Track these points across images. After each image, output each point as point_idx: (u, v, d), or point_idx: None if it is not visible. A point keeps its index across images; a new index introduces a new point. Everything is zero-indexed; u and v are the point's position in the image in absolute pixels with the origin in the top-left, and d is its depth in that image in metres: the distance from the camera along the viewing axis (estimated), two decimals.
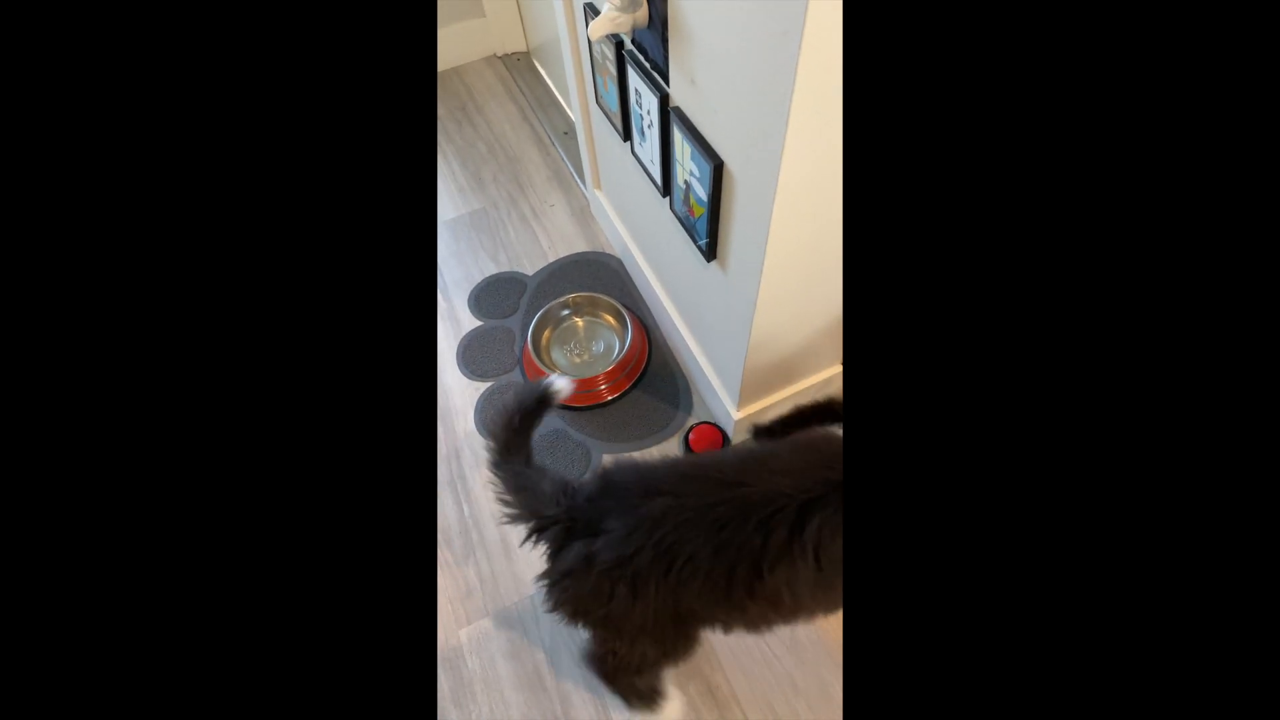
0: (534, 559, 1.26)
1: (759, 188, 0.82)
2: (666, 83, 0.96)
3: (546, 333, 1.52)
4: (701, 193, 0.97)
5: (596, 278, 1.63)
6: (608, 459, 0.91)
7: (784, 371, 1.23)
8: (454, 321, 1.59)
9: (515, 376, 1.48)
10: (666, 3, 0.85)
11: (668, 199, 1.14)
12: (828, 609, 0.85)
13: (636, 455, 1.36)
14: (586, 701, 1.12)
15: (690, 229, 1.08)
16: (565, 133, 1.93)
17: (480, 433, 1.42)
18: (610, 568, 0.76)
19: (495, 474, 0.87)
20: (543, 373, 1.41)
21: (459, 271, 1.68)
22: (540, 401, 0.90)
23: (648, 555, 0.74)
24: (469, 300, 1.62)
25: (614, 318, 1.52)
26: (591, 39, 0.98)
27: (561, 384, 0.91)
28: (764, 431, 1.11)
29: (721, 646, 1.15)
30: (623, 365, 1.42)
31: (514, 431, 0.88)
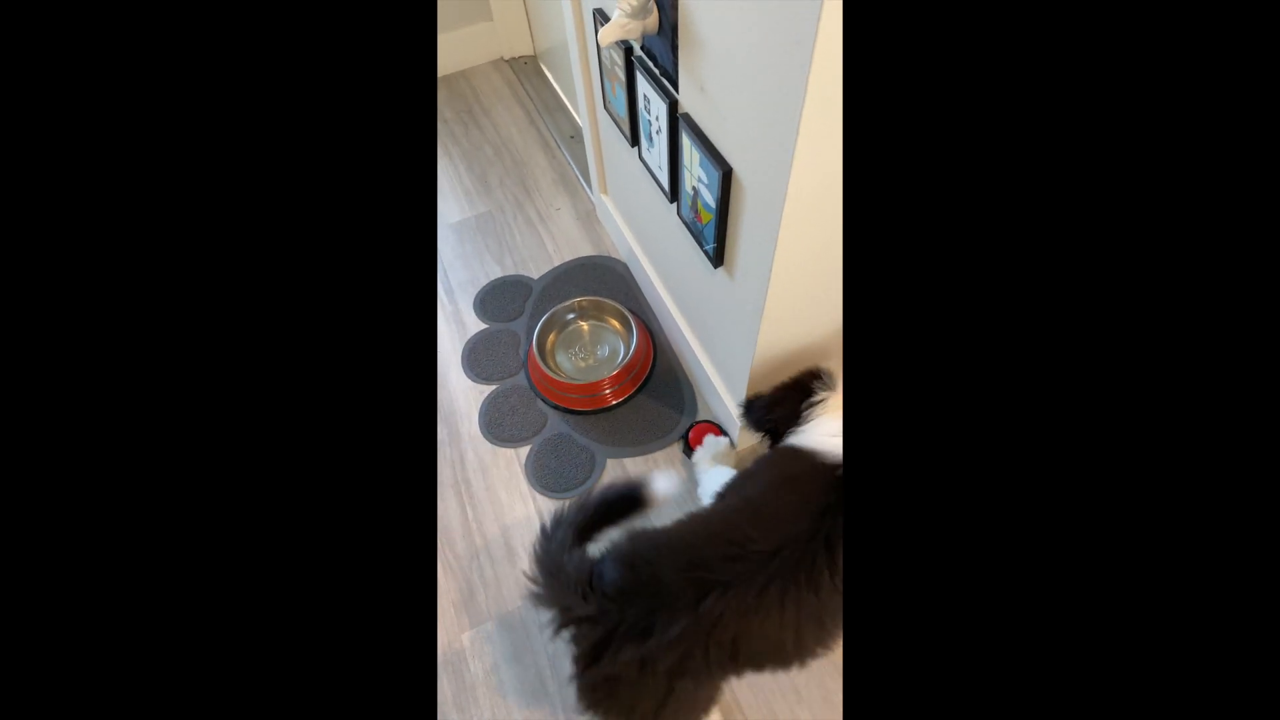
0: None
1: (768, 194, 0.83)
2: (676, 89, 0.96)
3: (552, 336, 1.52)
4: (709, 199, 0.97)
5: (602, 282, 1.64)
6: (616, 535, 0.87)
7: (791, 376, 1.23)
8: (459, 324, 1.60)
9: (520, 380, 1.49)
10: (677, 10, 0.85)
11: (675, 204, 1.14)
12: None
13: (639, 459, 1.36)
14: None
15: (697, 235, 1.08)
16: (571, 137, 1.93)
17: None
18: (671, 668, 0.74)
19: (536, 553, 0.83)
20: (548, 376, 1.41)
21: (464, 274, 1.68)
22: (630, 503, 0.86)
23: (715, 652, 0.74)
24: (474, 303, 1.63)
25: (619, 322, 1.52)
26: (601, 45, 0.99)
27: (663, 486, 0.87)
28: (754, 415, 1.08)
29: None
30: (627, 369, 1.42)
31: (584, 525, 0.84)
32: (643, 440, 1.39)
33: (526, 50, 2.19)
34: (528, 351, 1.50)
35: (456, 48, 2.12)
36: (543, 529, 0.84)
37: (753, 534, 0.77)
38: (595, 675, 0.76)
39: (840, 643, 0.83)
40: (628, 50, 1.06)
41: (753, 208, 0.89)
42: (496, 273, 1.68)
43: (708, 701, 0.86)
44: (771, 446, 1.02)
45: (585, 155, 1.71)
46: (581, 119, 1.53)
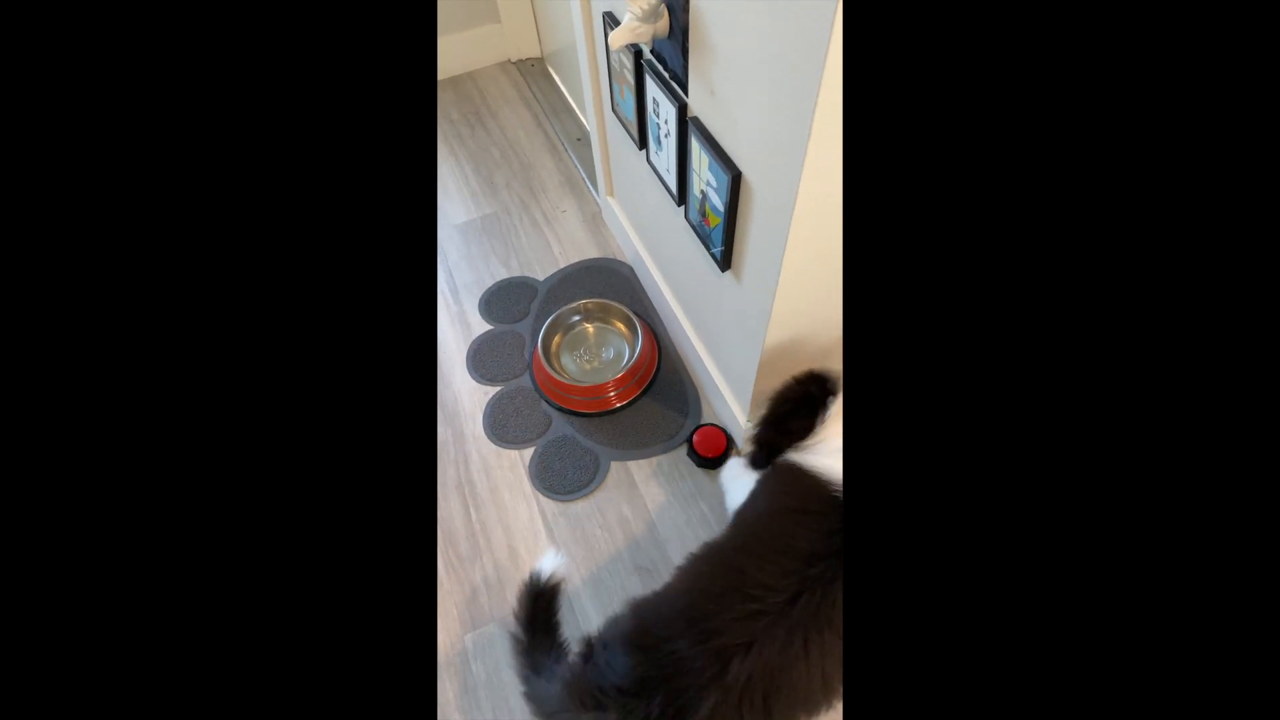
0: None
1: (778, 199, 0.83)
2: (685, 92, 0.97)
3: (557, 338, 1.52)
4: (718, 202, 0.97)
5: (607, 284, 1.64)
6: (609, 612, 0.84)
7: None
8: (464, 325, 1.60)
9: (525, 381, 1.49)
10: (688, 14, 0.85)
11: (683, 208, 1.15)
12: None
13: (643, 462, 1.36)
14: None
15: (705, 238, 1.08)
16: (578, 139, 1.94)
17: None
18: None
19: (525, 689, 0.80)
20: (553, 378, 1.41)
21: (470, 275, 1.69)
22: (539, 598, 0.84)
23: (749, 717, 0.72)
24: (479, 304, 1.63)
25: (625, 325, 1.52)
26: (611, 48, 0.99)
27: (548, 564, 0.87)
28: (764, 442, 1.03)
29: None
30: (633, 372, 1.42)
31: (535, 632, 0.83)
32: (647, 443, 1.39)
33: (534, 52, 2.20)
34: (533, 353, 1.50)
35: (464, 49, 2.13)
36: (515, 644, 0.82)
37: (768, 580, 0.73)
38: None
39: None
40: (637, 53, 1.07)
41: (762, 211, 0.89)
42: (502, 274, 1.68)
43: None
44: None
45: (592, 158, 1.72)
46: (589, 121, 1.54)
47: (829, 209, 0.83)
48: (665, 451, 1.38)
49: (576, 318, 1.54)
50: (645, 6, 0.88)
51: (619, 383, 1.41)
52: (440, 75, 2.16)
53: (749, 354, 1.13)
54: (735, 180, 0.90)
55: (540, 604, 0.88)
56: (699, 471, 1.34)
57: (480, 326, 1.59)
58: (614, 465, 1.36)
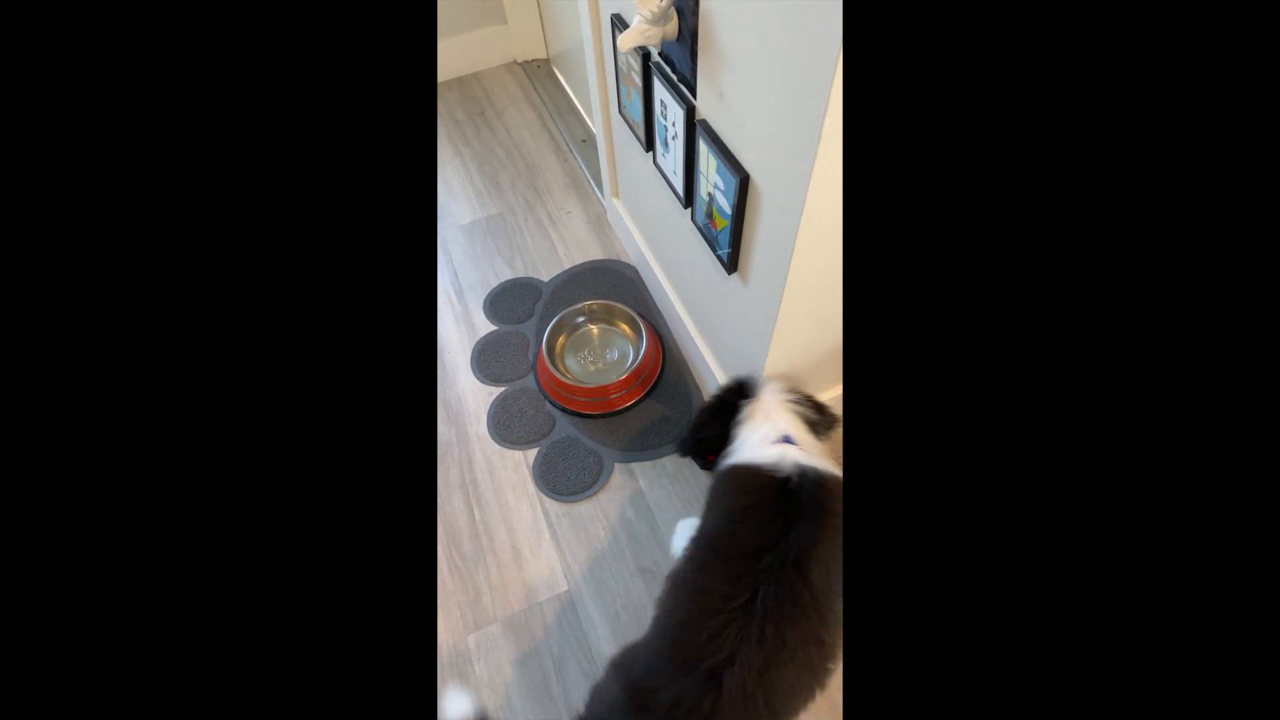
0: (544, 567, 1.25)
1: (787, 201, 0.83)
2: (694, 95, 0.97)
3: (561, 339, 1.52)
4: (725, 205, 0.97)
5: (612, 285, 1.64)
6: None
7: (803, 384, 1.23)
8: (469, 325, 1.60)
9: (529, 382, 1.49)
10: (697, 17, 0.86)
11: (689, 210, 1.15)
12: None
13: (647, 464, 1.36)
14: None
15: (711, 240, 1.09)
16: (583, 140, 1.94)
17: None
18: None
19: None
20: (557, 379, 1.41)
21: (474, 275, 1.69)
22: None
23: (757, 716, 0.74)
24: (484, 305, 1.63)
25: (629, 326, 1.53)
26: (620, 51, 0.99)
27: (453, 710, 0.81)
28: (686, 447, 1.07)
29: None
30: (636, 374, 1.42)
31: None
32: (651, 445, 1.39)
33: (539, 54, 2.20)
34: (537, 354, 1.50)
35: (469, 50, 2.13)
36: None
37: (725, 589, 0.76)
38: None
39: (841, 649, 0.83)
40: (645, 56, 1.07)
41: (770, 214, 0.89)
42: (507, 275, 1.69)
43: None
44: (711, 470, 1.00)
45: (597, 159, 1.72)
46: (595, 123, 1.54)
47: (837, 212, 0.83)
48: (668, 453, 1.38)
49: (581, 319, 1.54)
50: (655, 9, 0.88)
51: (623, 384, 1.41)
52: (446, 75, 2.16)
53: (755, 356, 1.13)
54: (743, 183, 0.90)
55: None
56: (702, 473, 1.34)
57: (485, 327, 1.59)
58: (617, 467, 1.37)
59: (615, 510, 1.32)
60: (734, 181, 0.91)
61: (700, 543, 0.87)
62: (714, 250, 1.09)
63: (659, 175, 1.23)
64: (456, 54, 2.12)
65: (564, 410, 1.43)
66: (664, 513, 1.31)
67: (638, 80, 1.13)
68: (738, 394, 0.99)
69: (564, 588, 1.23)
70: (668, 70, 1.02)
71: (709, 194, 1.02)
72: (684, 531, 1.14)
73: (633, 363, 1.45)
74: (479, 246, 1.75)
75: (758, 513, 0.82)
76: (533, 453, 1.39)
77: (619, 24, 1.15)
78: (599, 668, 1.15)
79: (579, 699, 1.12)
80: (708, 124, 0.96)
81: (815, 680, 0.79)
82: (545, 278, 1.67)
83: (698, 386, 1.46)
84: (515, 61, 2.21)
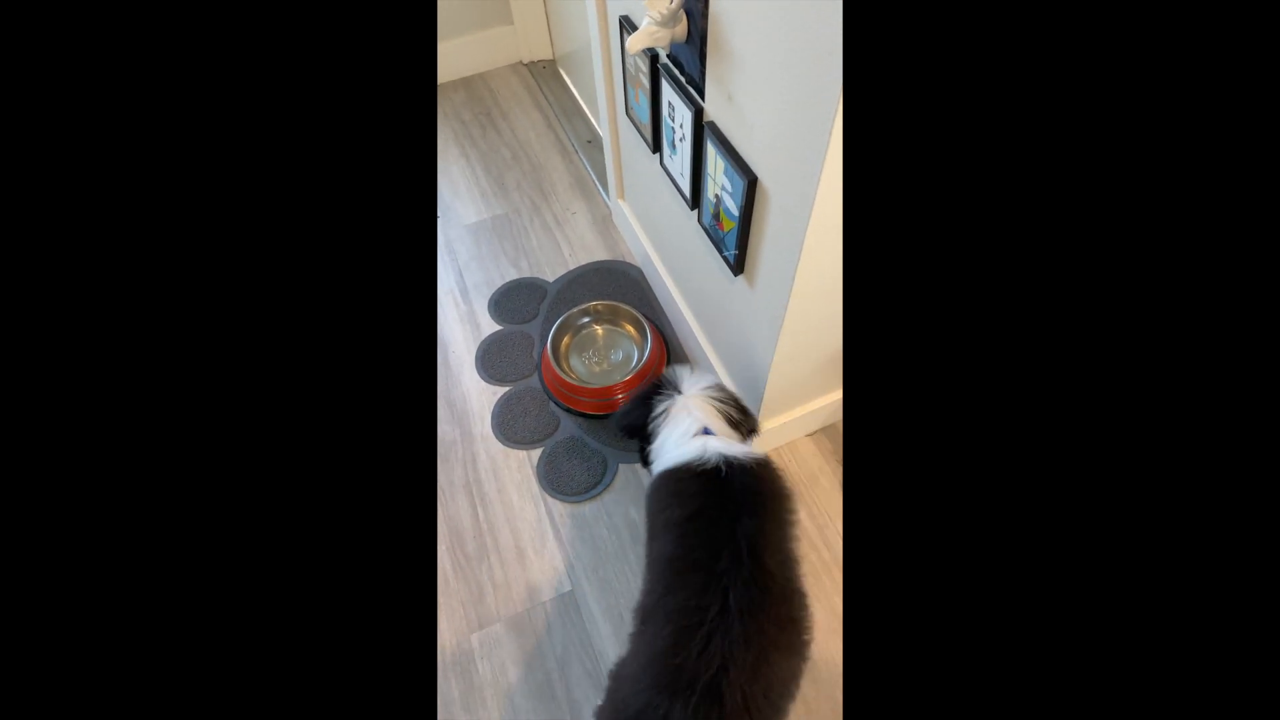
0: (548, 566, 1.26)
1: (794, 204, 0.83)
2: (702, 97, 0.97)
3: (566, 339, 1.52)
4: (732, 207, 0.97)
5: (616, 286, 1.64)
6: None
7: (808, 386, 1.23)
8: (474, 325, 1.60)
9: (533, 382, 1.49)
10: (706, 19, 0.86)
11: (696, 212, 1.15)
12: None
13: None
14: None
15: (718, 242, 1.09)
16: (589, 141, 1.94)
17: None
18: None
19: None
20: (561, 379, 1.42)
21: (480, 275, 1.69)
22: None
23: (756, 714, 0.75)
24: (489, 304, 1.63)
25: (634, 327, 1.53)
26: (629, 52, 0.99)
27: None
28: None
29: None
30: (641, 374, 1.42)
31: None
32: None
33: (546, 55, 2.20)
34: (542, 354, 1.51)
35: (476, 50, 2.13)
36: None
37: (697, 601, 0.78)
38: None
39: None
40: (653, 58, 1.07)
41: (777, 216, 0.89)
42: (512, 275, 1.69)
43: None
44: (644, 464, 1.02)
45: (602, 160, 1.72)
46: (601, 124, 1.54)
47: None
48: None
49: (586, 319, 1.54)
50: (664, 11, 0.88)
51: (628, 385, 1.42)
52: (452, 76, 2.17)
53: (760, 358, 1.13)
54: (751, 185, 0.90)
55: None
56: None
57: (490, 327, 1.60)
58: (622, 468, 1.37)
59: (619, 511, 1.32)
60: (742, 183, 0.91)
61: (658, 566, 0.87)
62: (720, 252, 1.09)
63: (665, 177, 1.23)
64: (463, 54, 2.13)
65: (568, 410, 1.44)
66: None
67: (645, 82, 1.13)
68: (659, 390, 1.00)
69: (567, 588, 1.23)
70: (676, 72, 1.02)
71: (716, 196, 1.02)
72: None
73: (637, 364, 1.45)
74: (484, 246, 1.75)
75: (702, 518, 0.84)
76: (537, 453, 1.39)
77: (627, 25, 1.15)
78: (602, 668, 1.15)
79: (582, 698, 1.12)
80: (716, 126, 0.96)
81: (799, 658, 0.81)
82: (550, 278, 1.67)
83: None
84: (521, 62, 2.21)
